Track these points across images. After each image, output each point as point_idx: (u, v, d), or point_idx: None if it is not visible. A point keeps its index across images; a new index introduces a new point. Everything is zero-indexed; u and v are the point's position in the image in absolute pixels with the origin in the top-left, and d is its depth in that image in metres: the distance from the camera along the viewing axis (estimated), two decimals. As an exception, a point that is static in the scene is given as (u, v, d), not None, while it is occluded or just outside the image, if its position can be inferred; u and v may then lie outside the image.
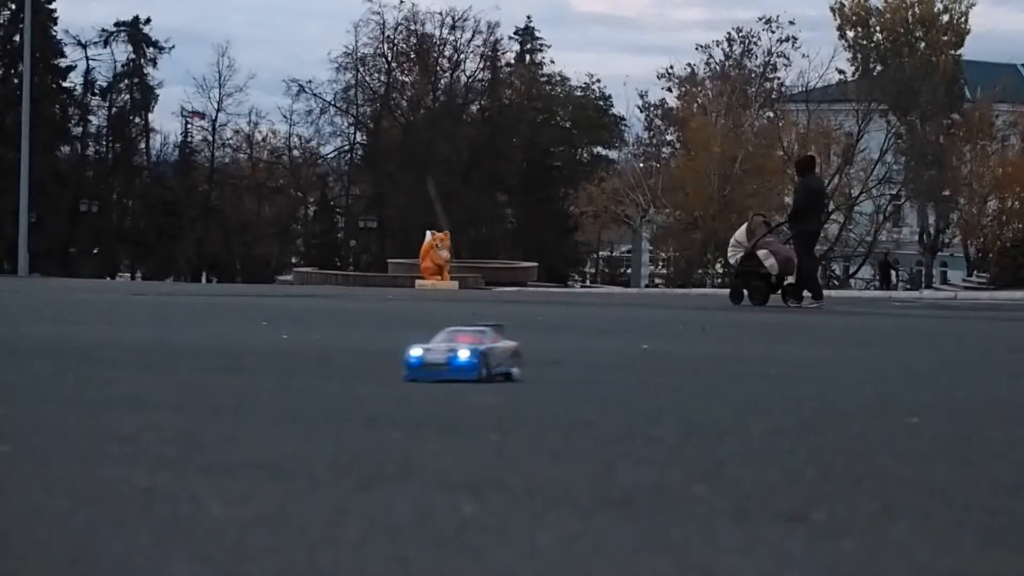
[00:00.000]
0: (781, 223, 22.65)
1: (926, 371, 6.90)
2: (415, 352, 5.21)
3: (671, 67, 68.58)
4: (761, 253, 20.45)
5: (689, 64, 68.04)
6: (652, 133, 71.81)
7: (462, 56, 77.91)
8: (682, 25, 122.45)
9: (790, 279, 20.38)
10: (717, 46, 67.31)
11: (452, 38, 77.33)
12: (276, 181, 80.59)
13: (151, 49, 79.84)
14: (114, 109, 79.98)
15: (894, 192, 66.56)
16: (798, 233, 20.61)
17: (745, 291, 20.54)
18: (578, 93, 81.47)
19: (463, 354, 5.17)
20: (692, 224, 63.28)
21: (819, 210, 21.52)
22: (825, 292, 24.18)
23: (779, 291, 20.37)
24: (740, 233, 20.99)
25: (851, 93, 65.44)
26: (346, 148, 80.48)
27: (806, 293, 20.55)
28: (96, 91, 79.63)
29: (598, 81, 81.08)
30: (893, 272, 60.13)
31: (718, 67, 67.12)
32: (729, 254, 21.54)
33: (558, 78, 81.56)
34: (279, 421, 3.91)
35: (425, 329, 9.84)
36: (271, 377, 5.44)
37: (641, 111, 70.53)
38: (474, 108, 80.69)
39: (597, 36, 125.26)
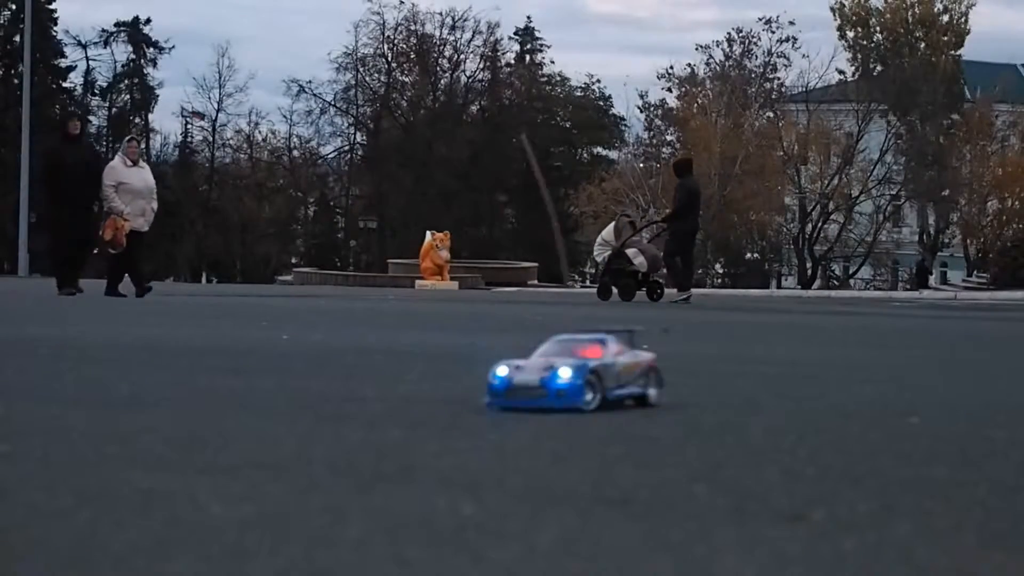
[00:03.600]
0: (651, 222, 24.12)
1: (926, 371, 6.90)
2: (501, 371, 4.14)
3: (671, 67, 68.62)
4: (630, 252, 21.50)
5: (689, 64, 68.09)
6: (652, 133, 71.83)
7: (462, 56, 77.97)
8: (696, 25, 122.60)
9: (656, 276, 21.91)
10: (717, 46, 67.36)
11: (452, 38, 77.39)
12: (276, 181, 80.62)
13: (151, 49, 79.88)
14: (114, 109, 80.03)
15: (894, 192, 66.57)
16: (675, 232, 21.77)
17: (614, 288, 21.53)
18: (578, 93, 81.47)
19: (564, 373, 4.03)
20: (692, 224, 63.14)
21: (696, 210, 22.59)
22: (825, 292, 24.76)
23: (645, 288, 21.55)
24: (607, 232, 22.18)
25: (851, 93, 65.48)
26: (346, 148, 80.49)
27: (671, 289, 22.03)
28: (96, 91, 79.68)
29: (598, 81, 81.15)
30: (930, 276, 60.27)
31: (718, 67, 67.14)
32: (596, 253, 22.79)
33: (558, 78, 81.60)
34: (279, 421, 3.91)
35: (425, 329, 9.81)
36: (271, 377, 5.44)
37: (641, 111, 70.56)
38: (474, 108, 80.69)
39: (610, 37, 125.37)
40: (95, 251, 18.23)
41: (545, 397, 4.01)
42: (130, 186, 17.94)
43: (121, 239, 17.56)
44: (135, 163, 18.43)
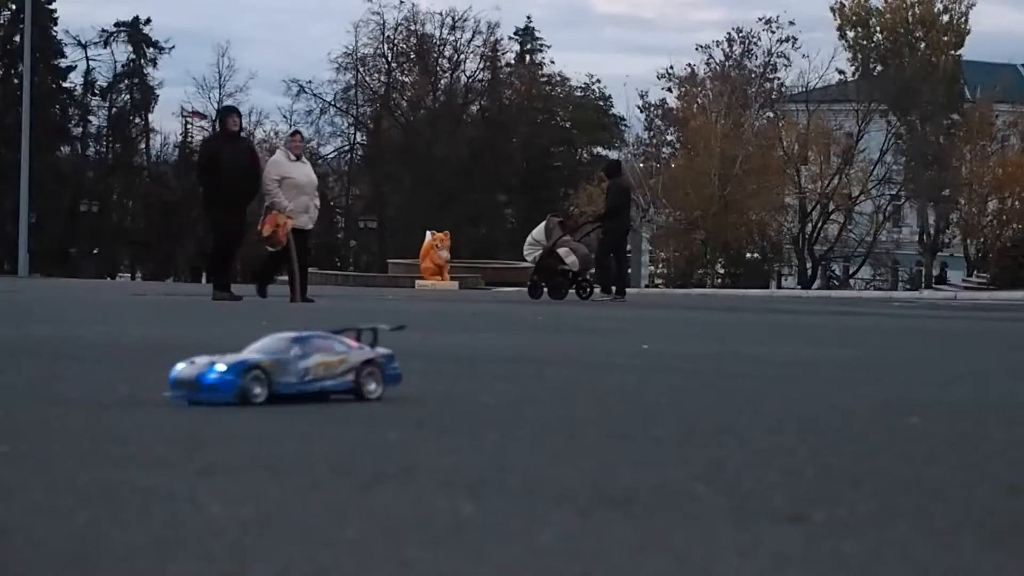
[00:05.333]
0: (584, 223, 24.63)
1: (926, 371, 6.90)
2: (179, 365, 4.30)
3: (671, 67, 68.62)
4: (562, 251, 21.99)
5: (689, 64, 68.07)
6: (652, 133, 71.83)
7: (462, 56, 78.01)
8: (702, 26, 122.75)
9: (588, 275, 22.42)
10: (717, 46, 67.37)
11: (452, 38, 77.41)
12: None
13: (151, 49, 79.90)
14: (114, 109, 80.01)
15: (894, 192, 66.57)
16: (608, 231, 22.33)
17: (544, 287, 22.12)
18: (578, 93, 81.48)
19: (219, 368, 4.21)
20: (692, 224, 63.33)
21: (628, 209, 23.42)
22: (825, 292, 25.09)
23: (575, 286, 22.10)
24: (538, 232, 22.67)
25: (851, 93, 65.48)
26: (346, 148, 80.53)
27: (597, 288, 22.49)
28: (96, 91, 79.68)
29: (598, 81, 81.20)
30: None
31: (718, 67, 67.15)
32: (526, 252, 23.25)
33: (558, 78, 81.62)
34: (279, 421, 3.91)
35: (425, 329, 9.84)
36: (271, 377, 5.43)
37: (641, 111, 70.56)
38: (474, 108, 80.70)
39: (615, 37, 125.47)
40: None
41: (198, 391, 4.20)
42: (294, 181, 17.19)
43: (282, 236, 16.83)
44: (298, 158, 17.67)
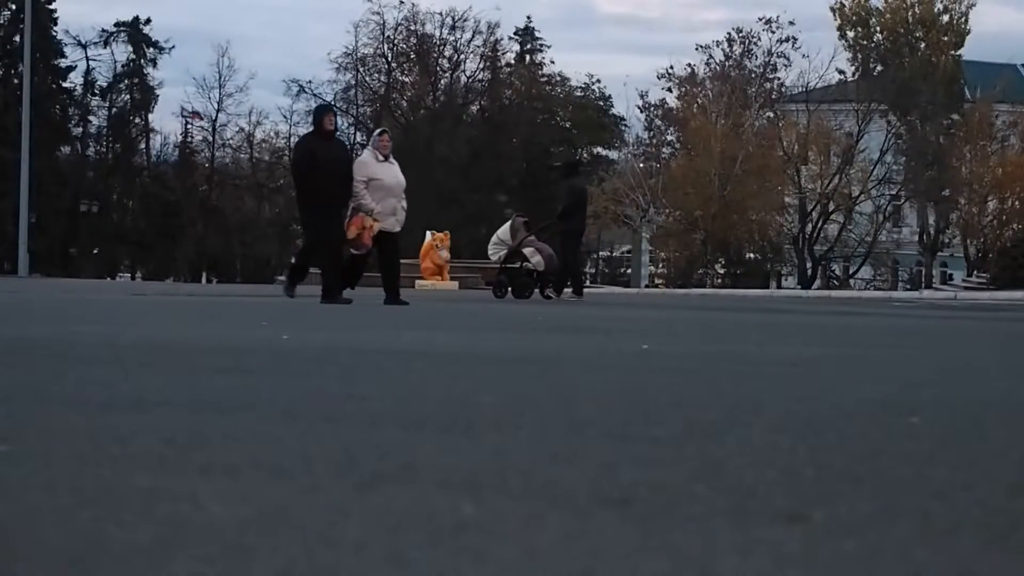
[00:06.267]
0: (546, 223, 24.72)
1: (926, 371, 6.90)
2: None
3: (671, 67, 68.66)
4: (527, 251, 22.35)
5: (689, 64, 68.11)
6: (652, 133, 71.84)
7: (462, 56, 78.05)
8: (707, 26, 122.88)
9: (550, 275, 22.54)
10: (717, 46, 67.40)
11: (452, 38, 77.43)
12: (276, 181, 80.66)
13: (151, 49, 79.94)
14: (114, 109, 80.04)
15: (894, 192, 66.57)
16: (564, 231, 22.69)
17: (509, 286, 22.36)
18: (578, 93, 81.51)
19: None
20: (692, 224, 63.30)
21: (583, 210, 23.43)
22: (825, 292, 25.18)
23: (539, 286, 22.36)
24: (503, 232, 22.77)
25: (851, 93, 65.48)
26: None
27: (568, 287, 22.65)
28: (96, 91, 79.71)
29: (598, 81, 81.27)
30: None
31: (718, 67, 67.16)
32: (491, 252, 23.33)
33: (558, 78, 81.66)
34: (279, 421, 3.91)
35: (425, 329, 9.84)
36: (271, 377, 5.44)
37: (641, 111, 70.58)
38: (474, 108, 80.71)
39: (619, 37, 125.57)
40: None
41: None
42: (382, 182, 16.70)
43: (368, 239, 16.39)
44: (386, 158, 17.03)
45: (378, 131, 17.91)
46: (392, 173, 17.05)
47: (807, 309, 20.70)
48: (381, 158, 16.98)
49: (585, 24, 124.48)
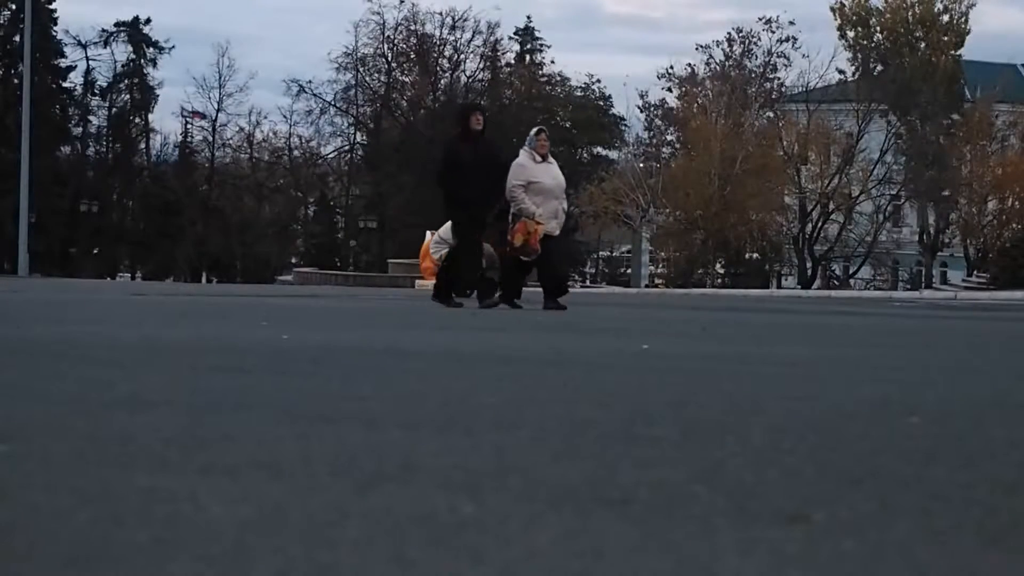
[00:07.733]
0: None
1: (926, 371, 6.89)
2: None
3: (671, 67, 68.71)
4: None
5: (689, 64, 68.14)
6: (652, 133, 71.89)
7: (462, 56, 78.05)
8: (712, 26, 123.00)
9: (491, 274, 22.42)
10: (717, 46, 67.43)
11: (452, 38, 77.44)
12: (276, 181, 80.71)
13: (151, 49, 79.98)
14: (114, 109, 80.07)
15: (894, 192, 66.59)
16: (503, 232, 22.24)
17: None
18: (578, 93, 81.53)
19: None
20: (692, 224, 63.31)
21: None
22: (825, 292, 24.92)
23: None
24: (444, 231, 22.53)
25: (851, 93, 65.52)
26: (346, 148, 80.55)
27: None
28: (96, 91, 79.75)
29: (598, 81, 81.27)
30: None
31: (718, 67, 67.17)
32: (432, 251, 23.14)
33: (558, 78, 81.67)
34: (279, 421, 3.91)
35: (425, 329, 9.84)
36: (271, 377, 5.44)
37: (641, 111, 70.62)
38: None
39: (625, 37, 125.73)
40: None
41: None
42: (541, 185, 16.01)
43: (536, 244, 15.89)
44: (544, 159, 16.25)
45: (535, 130, 17.00)
46: (552, 174, 16.30)
47: (807, 309, 20.69)
48: (539, 159, 16.25)
49: (590, 24, 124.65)
